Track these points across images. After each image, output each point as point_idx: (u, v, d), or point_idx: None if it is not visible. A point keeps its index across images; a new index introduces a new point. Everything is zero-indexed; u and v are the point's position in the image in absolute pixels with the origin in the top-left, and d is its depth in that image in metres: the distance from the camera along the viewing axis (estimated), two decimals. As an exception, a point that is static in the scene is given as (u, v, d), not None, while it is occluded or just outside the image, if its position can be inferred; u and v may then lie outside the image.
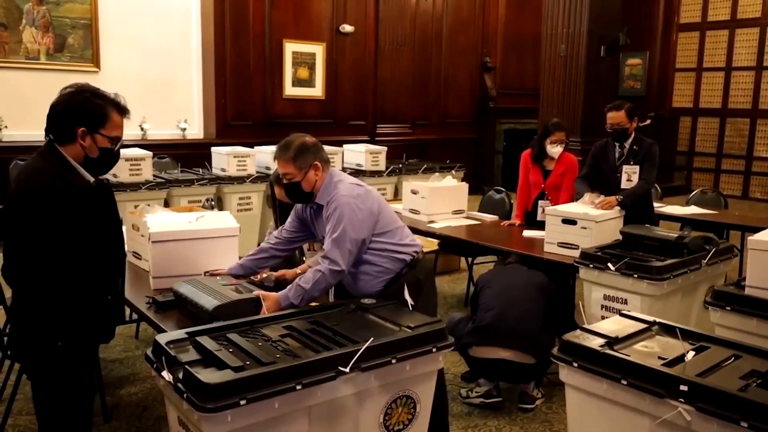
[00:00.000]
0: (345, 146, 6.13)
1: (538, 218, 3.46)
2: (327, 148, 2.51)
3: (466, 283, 4.18)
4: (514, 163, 4.87)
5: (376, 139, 7.44)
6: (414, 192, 3.80)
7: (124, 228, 2.57)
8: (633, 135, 3.36)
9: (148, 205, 2.67)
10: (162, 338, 1.59)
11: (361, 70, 7.57)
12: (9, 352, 2.02)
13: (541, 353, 2.47)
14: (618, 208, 3.10)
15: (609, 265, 2.54)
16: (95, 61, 5.86)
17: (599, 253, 2.63)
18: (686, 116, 8.76)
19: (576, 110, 6.21)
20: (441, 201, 3.76)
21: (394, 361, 1.60)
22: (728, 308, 2.09)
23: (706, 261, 2.60)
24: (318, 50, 7.16)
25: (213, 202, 4.54)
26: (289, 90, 7.01)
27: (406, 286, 2.05)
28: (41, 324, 1.63)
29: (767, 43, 7.90)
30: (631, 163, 3.33)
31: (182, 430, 1.53)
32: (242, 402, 1.36)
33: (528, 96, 8.11)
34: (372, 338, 1.58)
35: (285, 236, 2.25)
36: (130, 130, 5.86)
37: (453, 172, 6.10)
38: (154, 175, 4.75)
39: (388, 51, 7.66)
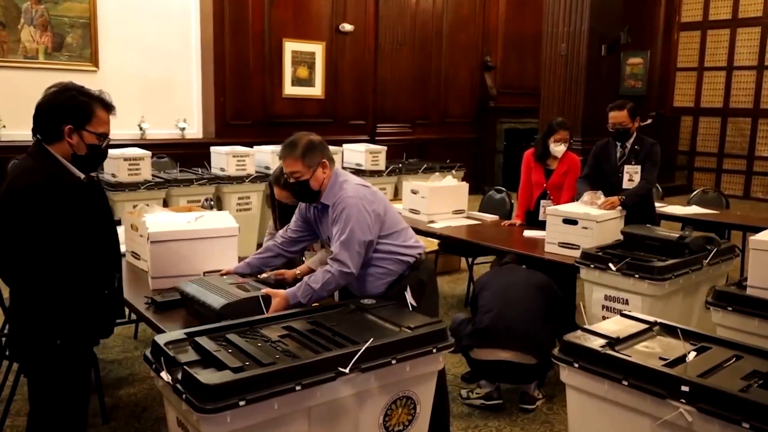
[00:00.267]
0: (345, 146, 6.12)
1: (540, 218, 3.45)
2: (327, 147, 2.50)
3: (466, 284, 4.18)
4: (514, 162, 4.86)
5: (376, 138, 7.42)
6: (414, 192, 3.79)
7: (122, 228, 2.58)
8: (634, 135, 3.35)
9: (147, 205, 2.67)
10: (161, 339, 1.58)
11: (361, 69, 7.55)
12: (7, 352, 2.01)
13: (543, 353, 2.47)
14: (619, 207, 3.10)
15: (610, 265, 2.53)
16: (94, 60, 5.84)
17: (600, 254, 2.63)
18: (687, 116, 8.75)
19: (577, 110, 6.20)
20: (441, 201, 3.75)
21: (394, 361, 1.59)
22: (730, 308, 2.09)
23: (707, 261, 2.59)
24: (318, 49, 7.14)
25: (212, 202, 4.53)
26: (289, 89, 6.99)
27: (409, 288, 2.04)
28: (39, 322, 1.63)
29: (769, 43, 7.92)
30: (633, 163, 3.32)
31: (181, 431, 1.52)
32: (241, 403, 1.35)
33: (528, 95, 8.09)
34: (372, 339, 1.57)
35: (290, 236, 2.24)
36: (128, 130, 5.85)
37: (453, 171, 6.09)
38: (152, 175, 4.74)
39: (387, 50, 7.65)
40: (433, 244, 4.12)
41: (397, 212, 2.20)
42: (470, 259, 4.09)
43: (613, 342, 1.61)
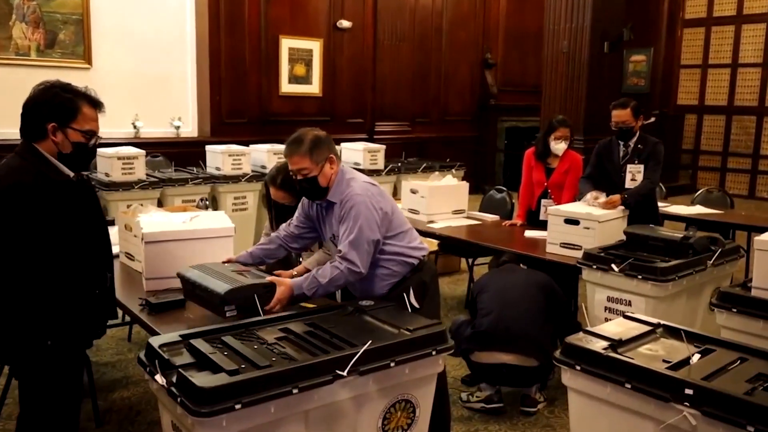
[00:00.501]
0: (343, 144, 6.09)
1: (541, 218, 3.44)
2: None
3: (466, 285, 4.16)
4: (515, 161, 4.82)
5: (375, 137, 7.40)
6: (413, 191, 3.77)
7: (116, 228, 2.56)
8: (638, 133, 3.33)
9: (141, 205, 2.64)
10: (155, 341, 1.57)
11: (359, 66, 7.52)
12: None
13: (544, 355, 2.44)
14: (622, 207, 3.08)
15: (612, 266, 2.51)
16: (87, 57, 5.78)
17: (602, 254, 2.61)
18: (691, 114, 8.70)
19: (579, 108, 6.17)
20: (441, 200, 3.73)
21: (392, 364, 1.58)
22: (734, 310, 2.07)
23: (711, 262, 2.57)
24: (315, 46, 7.10)
25: (207, 202, 4.51)
26: (286, 87, 6.96)
27: (411, 290, 2.02)
28: (29, 323, 1.62)
29: (774, 40, 7.86)
30: (636, 162, 3.31)
31: (175, 436, 1.51)
32: (237, 406, 1.34)
33: (530, 93, 8.06)
34: (370, 341, 1.56)
35: (293, 231, 2.22)
36: (122, 128, 5.82)
37: (453, 170, 6.07)
38: (147, 174, 4.70)
39: (386, 47, 7.61)
40: (432, 244, 4.09)
41: (402, 213, 2.18)
42: (470, 260, 4.08)
43: (615, 344, 1.59)
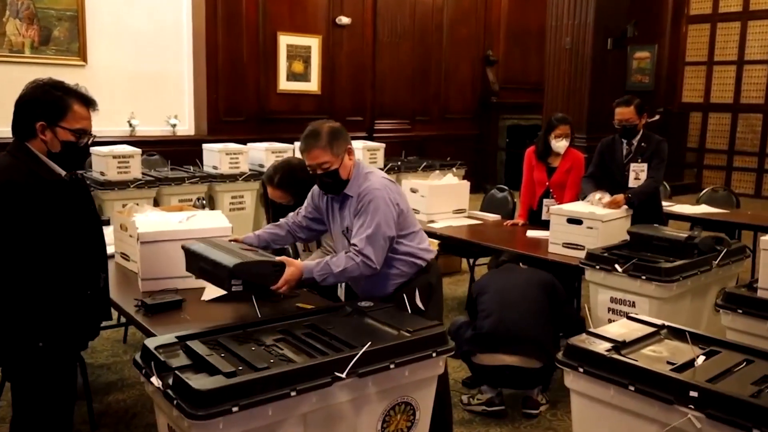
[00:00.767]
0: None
1: (543, 217, 3.42)
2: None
3: (467, 286, 4.14)
4: (517, 160, 4.79)
5: (374, 135, 7.38)
6: (413, 190, 3.75)
7: (111, 228, 2.54)
8: (641, 131, 3.31)
9: (137, 204, 2.64)
10: (151, 342, 1.56)
11: (359, 63, 7.49)
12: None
13: (547, 356, 2.42)
14: (625, 207, 3.05)
15: (616, 266, 2.50)
16: (82, 54, 5.75)
17: (606, 254, 2.59)
18: (696, 112, 8.65)
19: (582, 105, 6.14)
20: (441, 200, 3.71)
21: (392, 366, 1.56)
22: (740, 311, 2.06)
23: (717, 262, 2.56)
24: (314, 43, 7.06)
25: (204, 201, 4.51)
26: (284, 84, 6.92)
27: (417, 291, 2.00)
28: (21, 324, 1.60)
29: (780, 36, 7.81)
30: (639, 160, 3.28)
31: (171, 439, 1.49)
32: (234, 409, 1.33)
33: (532, 91, 8.03)
34: (369, 342, 1.55)
35: (300, 221, 2.20)
36: (118, 126, 5.78)
37: (454, 169, 6.06)
38: (143, 173, 4.70)
39: (386, 44, 7.58)
40: (433, 244, 4.06)
41: (413, 213, 2.16)
42: (471, 260, 4.05)
43: (619, 346, 1.59)
